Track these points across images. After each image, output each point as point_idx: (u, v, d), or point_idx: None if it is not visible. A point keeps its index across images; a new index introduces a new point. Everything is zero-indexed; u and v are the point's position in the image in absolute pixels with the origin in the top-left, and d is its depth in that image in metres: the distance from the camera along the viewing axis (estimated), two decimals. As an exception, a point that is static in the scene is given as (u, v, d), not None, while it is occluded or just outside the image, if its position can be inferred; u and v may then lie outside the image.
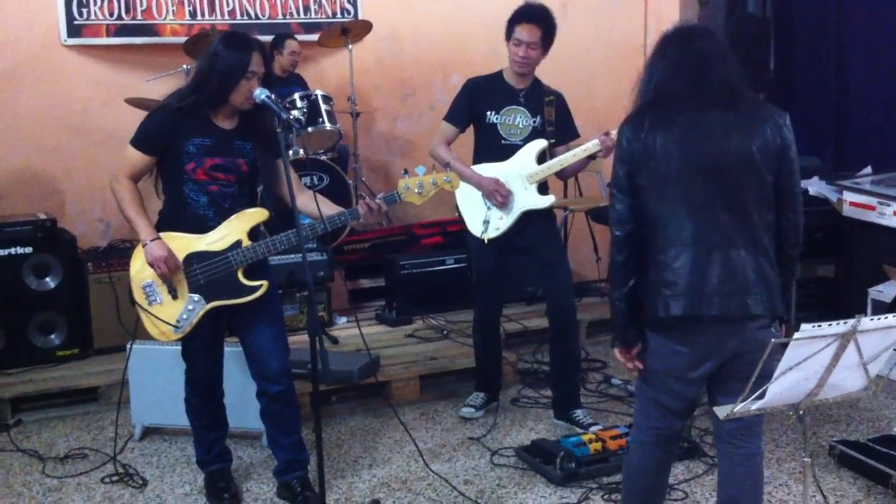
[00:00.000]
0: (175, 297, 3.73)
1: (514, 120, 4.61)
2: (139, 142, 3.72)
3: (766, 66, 6.90)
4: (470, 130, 4.77)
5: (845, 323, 2.51)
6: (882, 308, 5.29)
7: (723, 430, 3.07)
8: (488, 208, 4.63)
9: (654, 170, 2.92)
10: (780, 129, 2.91)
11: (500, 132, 4.62)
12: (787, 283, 3.01)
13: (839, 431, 4.62)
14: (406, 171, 3.83)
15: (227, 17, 6.90)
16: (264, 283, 3.77)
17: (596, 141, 4.40)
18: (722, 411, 2.64)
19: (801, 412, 2.69)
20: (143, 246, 3.68)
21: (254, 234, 3.77)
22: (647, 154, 2.92)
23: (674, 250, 2.89)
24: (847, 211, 5.67)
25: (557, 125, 4.63)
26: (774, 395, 2.58)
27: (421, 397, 5.18)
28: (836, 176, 5.97)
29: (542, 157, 4.61)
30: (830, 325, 2.50)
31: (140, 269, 3.75)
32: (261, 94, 3.62)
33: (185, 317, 3.73)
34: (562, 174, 4.74)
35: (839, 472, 4.16)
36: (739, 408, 2.58)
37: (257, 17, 6.98)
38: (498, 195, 4.54)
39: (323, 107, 6.49)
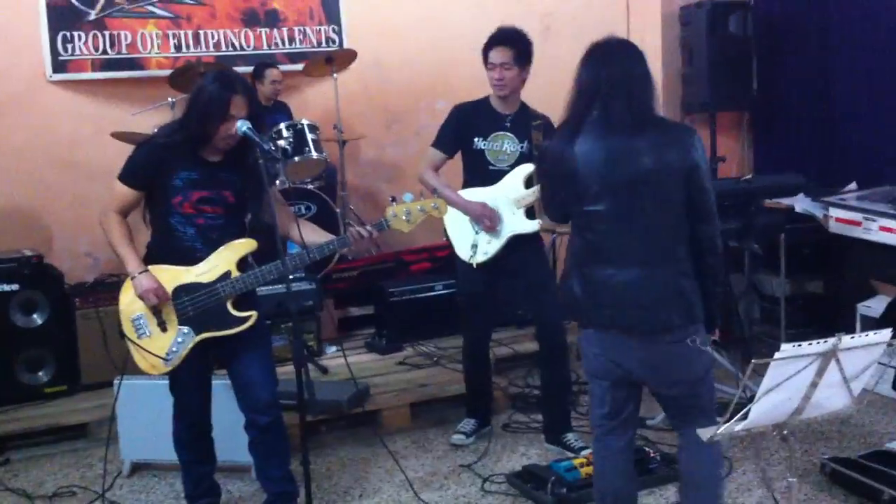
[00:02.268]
0: (164, 329, 3.72)
1: (502, 146, 4.63)
2: (126, 177, 3.73)
3: (748, 84, 6.93)
4: (458, 156, 4.77)
5: (826, 342, 2.51)
6: (871, 323, 5.29)
7: (678, 432, 3.37)
8: (476, 233, 4.64)
9: (571, 190, 3.15)
10: (687, 148, 3.07)
11: (488, 158, 4.63)
12: (710, 289, 3.20)
13: (831, 448, 4.60)
14: (393, 199, 3.85)
15: (212, 49, 6.91)
16: (253, 313, 3.76)
17: None
18: (705, 433, 2.64)
19: (785, 432, 2.68)
20: (132, 279, 3.68)
21: (242, 264, 3.77)
22: (567, 176, 3.14)
23: (590, 265, 3.15)
24: (833, 227, 5.68)
25: None
26: (758, 415, 2.57)
27: (412, 425, 5.15)
28: (822, 192, 5.98)
29: (529, 182, 4.62)
30: (811, 344, 2.49)
31: (129, 303, 3.74)
32: (242, 125, 3.62)
33: (174, 349, 3.72)
34: None
35: (831, 490, 4.14)
36: (723, 429, 2.57)
37: (242, 49, 7.00)
38: (486, 219, 4.56)
39: (309, 136, 6.49)
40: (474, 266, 4.65)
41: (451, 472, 4.56)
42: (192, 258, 3.72)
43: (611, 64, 3.13)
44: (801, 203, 5.95)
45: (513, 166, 4.63)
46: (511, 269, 4.68)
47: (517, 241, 4.62)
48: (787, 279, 5.90)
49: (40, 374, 5.40)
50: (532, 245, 4.71)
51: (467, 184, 4.73)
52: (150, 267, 3.70)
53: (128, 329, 3.76)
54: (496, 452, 4.78)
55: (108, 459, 4.40)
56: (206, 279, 3.71)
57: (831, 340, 2.51)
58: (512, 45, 4.54)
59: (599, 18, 7.53)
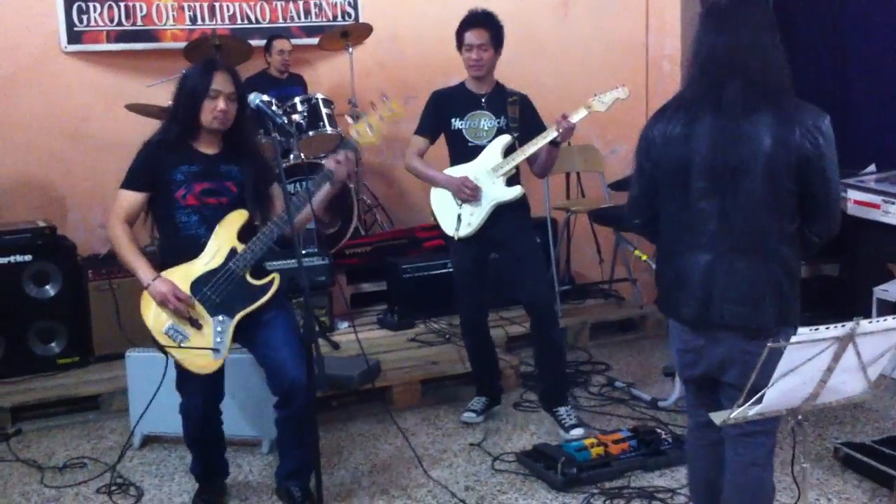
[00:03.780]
0: (199, 327, 3.66)
1: (479, 123, 4.69)
2: (129, 182, 3.73)
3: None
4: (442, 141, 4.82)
5: (843, 326, 2.46)
6: (887, 307, 5.23)
7: (727, 434, 3.04)
8: (459, 206, 4.68)
9: (669, 172, 2.91)
10: (810, 133, 2.74)
11: (466, 136, 4.70)
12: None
13: (844, 433, 4.57)
14: (351, 119, 3.88)
15: (227, 21, 6.88)
16: (275, 275, 3.76)
17: (554, 128, 4.47)
18: (718, 417, 2.60)
19: (799, 417, 2.65)
20: (147, 287, 3.63)
21: (243, 236, 3.74)
22: (665, 154, 2.91)
23: (681, 254, 2.92)
24: (851, 209, 5.61)
25: (522, 122, 4.68)
26: (772, 400, 2.53)
27: (422, 402, 5.14)
28: (840, 174, 5.89)
29: (507, 151, 4.66)
30: (828, 328, 2.45)
31: (155, 317, 3.66)
32: (255, 98, 3.63)
33: (219, 340, 3.66)
34: (537, 168, 4.77)
35: (844, 475, 4.12)
36: (736, 413, 2.54)
37: (257, 22, 6.96)
38: (465, 189, 4.60)
39: (324, 111, 6.46)
40: (455, 239, 4.69)
41: (461, 450, 4.55)
42: (197, 246, 3.69)
43: (728, 30, 2.81)
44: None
45: (491, 141, 4.67)
46: (497, 240, 4.70)
47: (502, 212, 4.64)
48: (802, 262, 5.84)
49: (52, 345, 5.40)
50: (517, 215, 4.71)
51: (452, 163, 4.78)
52: (160, 273, 3.67)
53: (165, 342, 3.66)
54: (506, 431, 4.76)
55: (118, 432, 4.43)
56: (215, 264, 3.69)
57: (849, 324, 2.47)
58: (488, 26, 4.63)
59: (619, -6, 7.48)
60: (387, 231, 6.75)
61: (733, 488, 3.03)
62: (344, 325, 6.05)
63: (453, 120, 4.71)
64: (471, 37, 4.62)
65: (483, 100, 4.70)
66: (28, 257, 5.34)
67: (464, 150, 4.70)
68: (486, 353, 5.00)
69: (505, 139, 4.65)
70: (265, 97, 6.25)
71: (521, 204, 4.71)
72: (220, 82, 3.65)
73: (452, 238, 4.72)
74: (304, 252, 5.92)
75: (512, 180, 4.67)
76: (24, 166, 6.42)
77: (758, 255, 2.81)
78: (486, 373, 5.01)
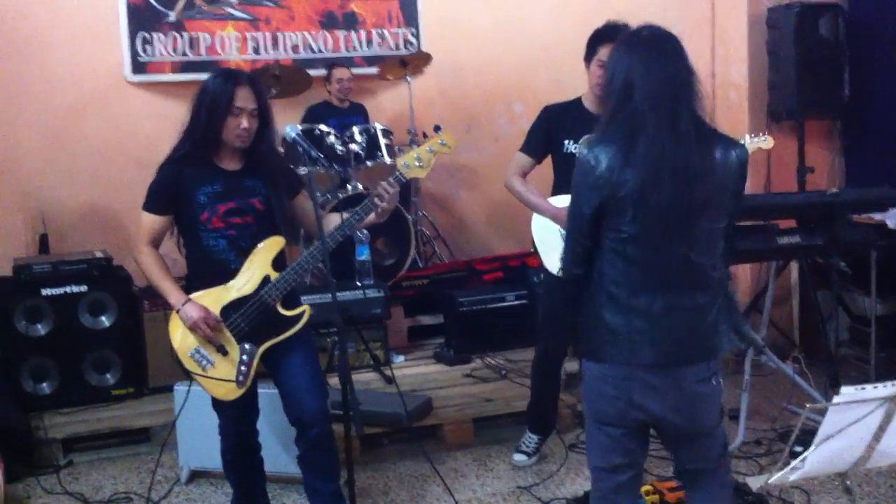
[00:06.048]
0: (225, 353, 3.62)
1: None
2: (150, 204, 3.67)
3: (840, 91, 6.60)
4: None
5: (893, 385, 2.30)
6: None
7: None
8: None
9: (620, 209, 2.73)
10: (742, 167, 2.80)
11: None
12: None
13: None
14: (399, 149, 3.73)
15: (290, 52, 6.91)
16: (305, 307, 3.68)
17: None
18: (756, 482, 2.45)
19: (848, 482, 2.48)
20: (177, 311, 3.60)
21: (278, 263, 3.68)
22: (620, 190, 2.71)
23: (634, 296, 2.76)
24: (931, 239, 5.36)
25: None
26: (815, 464, 2.37)
27: (475, 441, 5.00)
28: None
29: None
30: (875, 387, 2.29)
31: (182, 339, 3.65)
32: (291, 132, 3.58)
33: (243, 368, 3.62)
34: None
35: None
36: (776, 478, 2.38)
37: (320, 52, 6.97)
38: None
39: (382, 141, 6.42)
40: (560, 278, 4.37)
41: (511, 494, 4.41)
42: (226, 271, 3.62)
43: (670, 63, 2.73)
44: (893, 219, 5.63)
45: None
46: None
47: None
48: (878, 299, 5.60)
49: (107, 375, 5.43)
50: None
51: (557, 190, 4.44)
52: (191, 295, 3.62)
53: (190, 365, 3.65)
54: (559, 475, 4.60)
55: (167, 466, 4.40)
56: (248, 290, 3.63)
57: (899, 384, 2.31)
58: None
59: (683, 18, 7.28)
60: (444, 263, 6.66)
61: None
62: (400, 359, 5.98)
63: (566, 142, 4.32)
64: (606, 54, 4.00)
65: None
66: (84, 288, 5.38)
67: None
68: (551, 392, 4.75)
69: None
70: (323, 127, 6.32)
71: None
72: (242, 98, 3.52)
73: (549, 272, 4.40)
74: (360, 284, 5.88)
75: None
76: (90, 195, 6.50)
77: (712, 287, 2.78)
78: (546, 412, 4.78)
